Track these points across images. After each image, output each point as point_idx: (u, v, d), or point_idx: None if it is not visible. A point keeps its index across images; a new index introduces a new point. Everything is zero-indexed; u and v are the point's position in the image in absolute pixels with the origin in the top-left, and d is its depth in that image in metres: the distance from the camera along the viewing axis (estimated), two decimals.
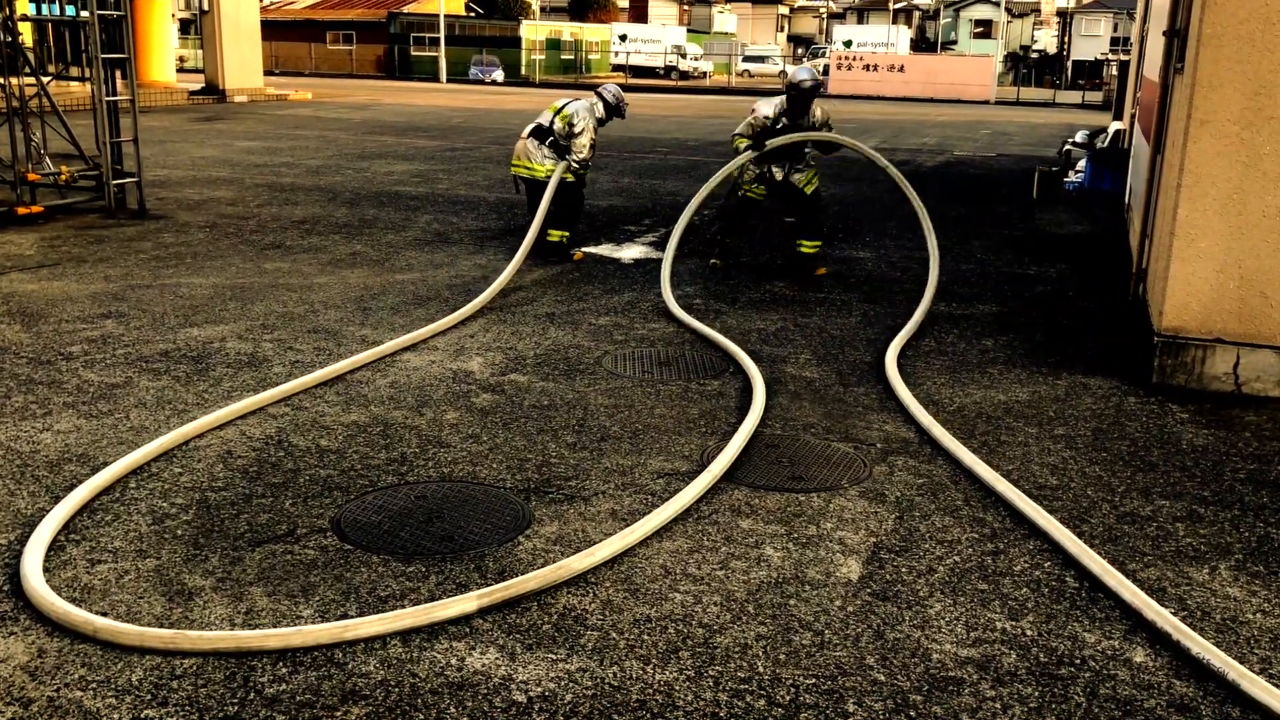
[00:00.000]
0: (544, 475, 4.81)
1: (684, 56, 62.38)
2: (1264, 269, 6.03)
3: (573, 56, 62.63)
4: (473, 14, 65.75)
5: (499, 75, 53.44)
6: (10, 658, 3.29)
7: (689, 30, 72.13)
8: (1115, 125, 17.98)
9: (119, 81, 11.82)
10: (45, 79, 12.05)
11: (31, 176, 11.00)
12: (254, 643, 3.34)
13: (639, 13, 76.75)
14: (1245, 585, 3.99)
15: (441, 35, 52.17)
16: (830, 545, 4.21)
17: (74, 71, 13.96)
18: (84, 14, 11.28)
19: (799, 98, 8.77)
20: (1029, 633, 3.62)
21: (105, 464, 4.76)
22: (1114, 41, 63.50)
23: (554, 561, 3.98)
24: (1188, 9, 6.98)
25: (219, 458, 4.90)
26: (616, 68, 61.54)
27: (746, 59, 66.09)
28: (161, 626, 3.48)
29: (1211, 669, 3.37)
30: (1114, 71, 38.42)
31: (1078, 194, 14.86)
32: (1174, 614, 3.71)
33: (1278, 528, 4.50)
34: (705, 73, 62.05)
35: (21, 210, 10.68)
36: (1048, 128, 30.19)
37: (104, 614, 3.54)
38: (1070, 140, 18.19)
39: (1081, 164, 15.67)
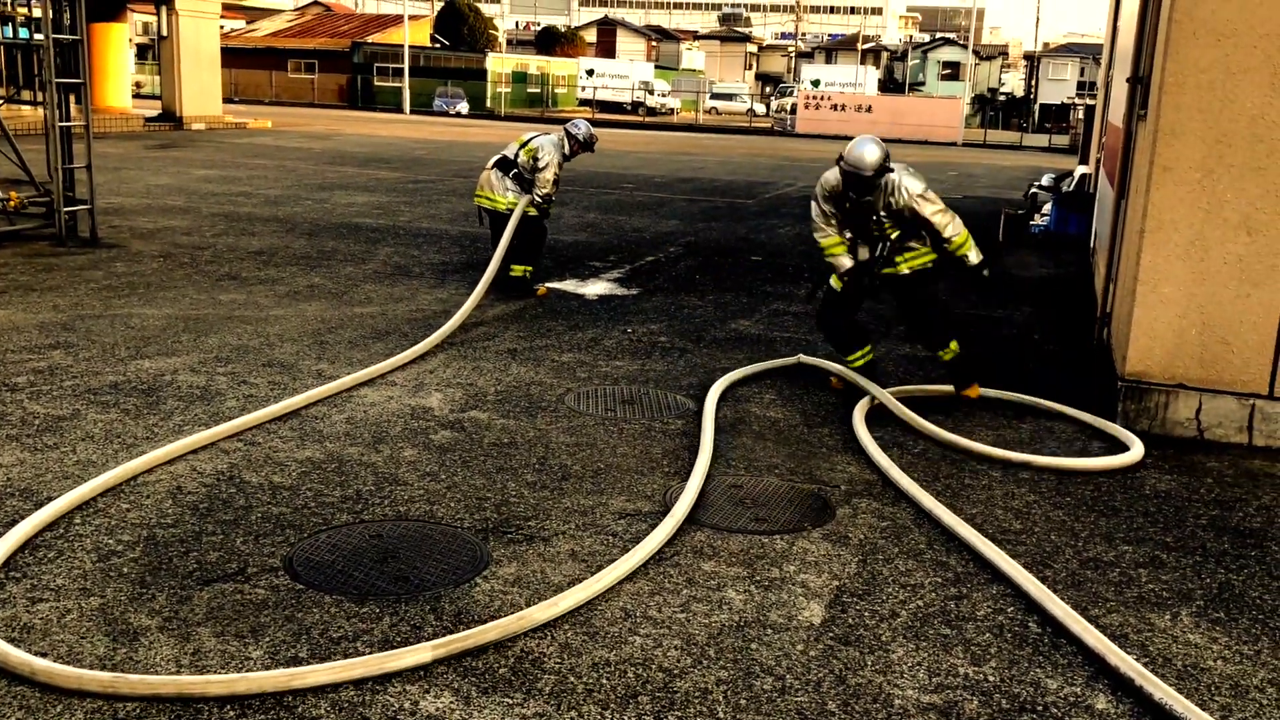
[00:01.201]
0: (503, 515, 4.81)
1: (651, 93, 62.99)
2: (1225, 315, 6.16)
3: (539, 90, 63.04)
4: (438, 45, 66.09)
5: (464, 107, 53.67)
6: None
7: (657, 66, 72.91)
8: (1081, 169, 18.32)
9: (73, 106, 11.75)
10: None
11: None
12: (196, 689, 3.29)
13: (607, 48, 77.51)
14: (1207, 632, 4.05)
15: (405, 66, 52.37)
16: (793, 588, 4.22)
17: (26, 95, 13.86)
18: (38, 37, 11.23)
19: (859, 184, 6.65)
20: (991, 678, 3.65)
21: (50, 498, 4.70)
22: (1080, 85, 64.84)
23: (512, 604, 3.97)
24: (1150, 56, 7.17)
25: (168, 493, 4.85)
26: (583, 102, 62.00)
27: (714, 96, 66.87)
28: (104, 668, 3.43)
29: (1174, 716, 3.41)
30: (1080, 116, 39.20)
31: (1043, 237, 15.09)
32: (1136, 660, 3.76)
33: (1239, 574, 4.57)
34: (673, 109, 62.65)
35: None
36: (1014, 170, 30.70)
37: (44, 654, 3.48)
38: (1036, 183, 18.50)
39: (1047, 207, 15.94)
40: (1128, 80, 8.17)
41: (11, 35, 13.54)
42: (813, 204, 7.01)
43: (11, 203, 11.24)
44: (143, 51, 60.15)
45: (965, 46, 68.62)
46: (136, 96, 38.17)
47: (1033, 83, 70.70)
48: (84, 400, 6.09)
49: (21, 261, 10.03)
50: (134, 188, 16.09)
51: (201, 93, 31.22)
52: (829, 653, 3.76)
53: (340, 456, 5.41)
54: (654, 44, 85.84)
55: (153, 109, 32.20)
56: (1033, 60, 73.33)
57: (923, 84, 75.26)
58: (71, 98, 11.67)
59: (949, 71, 74.92)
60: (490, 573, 4.23)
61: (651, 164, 26.00)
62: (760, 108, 66.31)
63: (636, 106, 60.58)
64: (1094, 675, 3.69)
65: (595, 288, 10.29)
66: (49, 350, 7.07)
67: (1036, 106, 67.40)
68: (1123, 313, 6.80)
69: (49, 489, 4.82)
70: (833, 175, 6.76)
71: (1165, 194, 6.14)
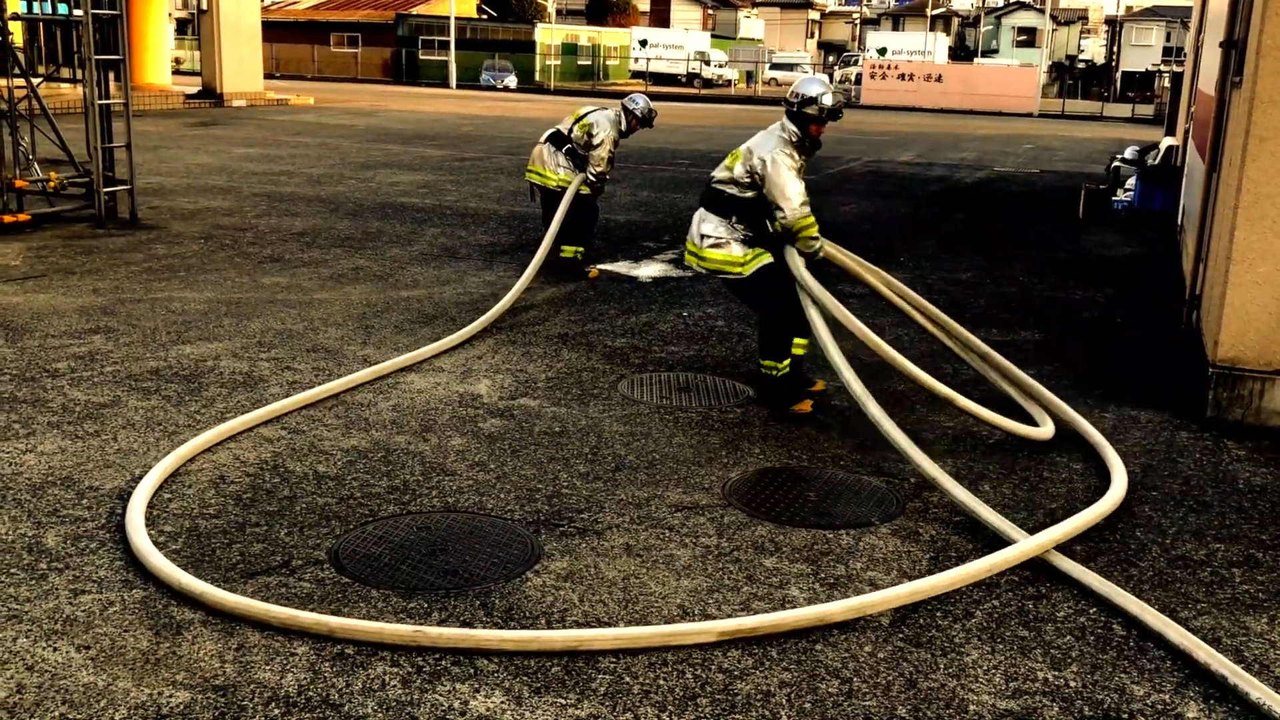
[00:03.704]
0: (555, 507, 4.82)
1: (707, 63, 62.68)
2: None
3: (590, 62, 63.01)
4: (485, 17, 66.26)
5: (512, 81, 53.79)
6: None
7: (713, 36, 72.52)
8: (1168, 141, 17.96)
9: (112, 84, 11.94)
10: (35, 80, 12.19)
11: (19, 183, 11.11)
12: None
13: (661, 17, 77.26)
14: None
15: (452, 38, 52.58)
16: (860, 587, 4.19)
17: (65, 73, 14.10)
18: (77, 13, 11.42)
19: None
20: (1072, 684, 3.59)
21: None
22: (1166, 52, 63.53)
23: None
24: (1247, 19, 6.98)
25: (211, 483, 4.92)
26: (636, 74, 61.88)
27: (774, 66, 66.36)
28: (146, 663, 3.49)
29: (1273, 718, 3.34)
30: (1166, 84, 38.39)
31: (1127, 214, 14.82)
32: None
33: None
34: (730, 81, 62.31)
35: (8, 219, 10.79)
36: (1095, 143, 30.18)
37: (85, 648, 3.55)
38: (1119, 156, 18.16)
39: (1131, 182, 15.65)
40: (1221, 44, 7.97)
41: (50, 11, 13.79)
42: (782, 156, 5.93)
43: (51, 184, 11.45)
44: (182, 26, 60.96)
45: (1042, 11, 67.46)
46: (176, 73, 38.69)
47: (1114, 49, 69.38)
48: (125, 387, 6.20)
49: (61, 244, 10.23)
50: (174, 167, 16.34)
51: (242, 68, 31.57)
52: (899, 655, 3.72)
53: (387, 445, 5.46)
54: (710, 12, 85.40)
55: (192, 85, 32.64)
56: (1115, 25, 71.93)
57: (996, 51, 74.16)
58: (111, 75, 11.86)
59: (1024, 38, 73.76)
60: (542, 567, 4.24)
61: (707, 138, 25.90)
62: (823, 78, 65.78)
63: (692, 78, 60.34)
64: (1184, 681, 3.62)
65: (649, 269, 10.27)
66: (89, 335, 7.20)
67: (1118, 74, 66.16)
68: (1214, 294, 6.64)
69: (90, 478, 4.91)
70: (788, 122, 6.05)
71: (1262, 166, 5.99)
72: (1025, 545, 4.37)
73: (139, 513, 4.41)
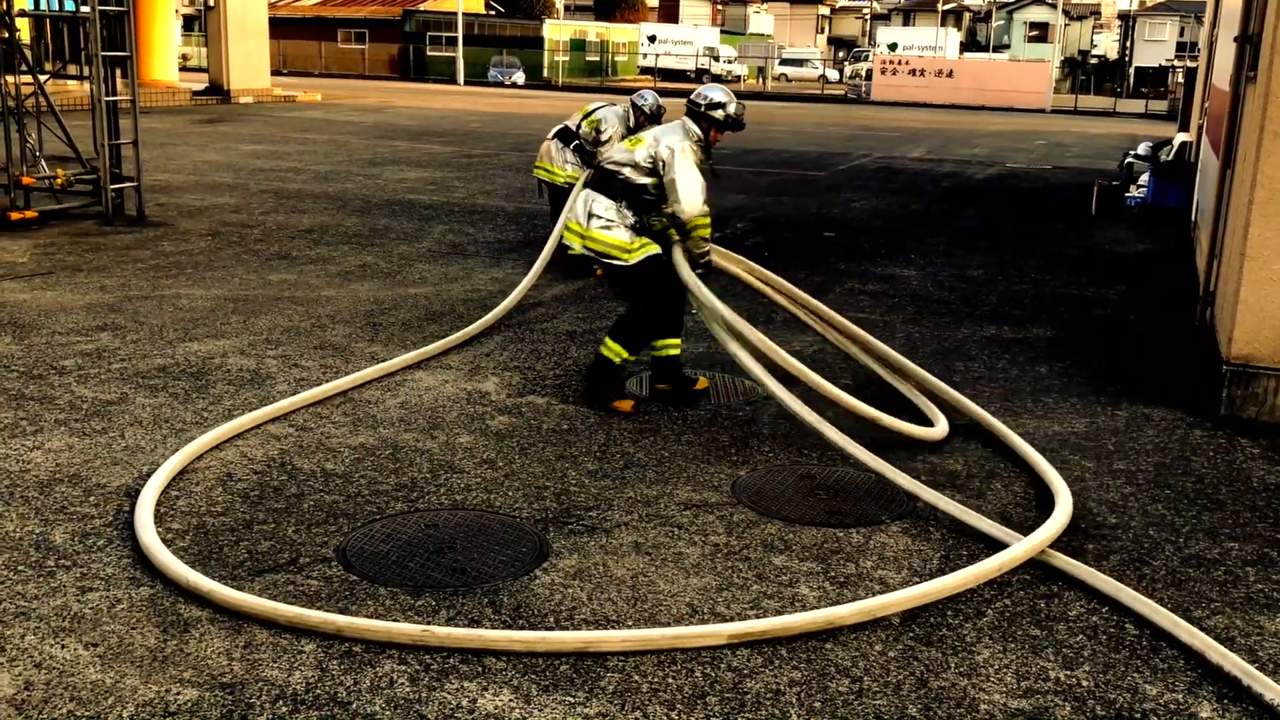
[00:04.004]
0: (563, 505, 4.82)
1: (716, 59, 62.65)
2: None
3: (598, 58, 62.99)
4: (493, 12, 66.29)
5: (520, 77, 53.82)
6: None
7: (723, 31, 72.46)
8: (1181, 137, 17.90)
9: (119, 81, 11.98)
10: (42, 77, 12.23)
11: (26, 180, 11.16)
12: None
13: (669, 12, 77.19)
14: None
15: (459, 34, 52.61)
16: (870, 585, 4.19)
17: (72, 70, 14.15)
18: (84, 9, 11.45)
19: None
20: (1085, 683, 3.59)
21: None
22: (1180, 47, 63.31)
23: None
24: (1261, 13, 6.96)
25: (218, 480, 4.94)
26: (644, 70, 61.87)
27: (784, 62, 66.30)
28: (153, 660, 3.50)
29: None
30: (1180, 79, 38.28)
31: (1140, 210, 14.78)
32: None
33: None
34: (739, 77, 62.25)
35: (15, 215, 10.84)
36: (1107, 139, 30.10)
37: (93, 645, 3.57)
38: (1132, 152, 18.11)
39: (1144, 178, 15.60)
40: (1235, 39, 7.94)
41: (57, 8, 13.83)
42: (689, 150, 5.89)
43: (58, 181, 11.49)
44: (188, 22, 61.11)
45: (1054, 6, 67.30)
46: (182, 69, 38.80)
47: (1128, 44, 69.19)
48: (132, 384, 6.22)
49: (68, 241, 10.26)
50: (181, 164, 16.38)
51: (249, 65, 31.63)
52: (909, 654, 3.72)
53: (394, 443, 5.47)
54: (719, 7, 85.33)
55: (199, 82, 32.71)
56: (1128, 20, 71.74)
57: (1008, 46, 73.98)
58: (118, 72, 11.90)
59: (1036, 33, 73.59)
60: (550, 565, 4.25)
61: None
62: (833, 74, 65.67)
63: (701, 74, 60.31)
64: (1197, 681, 3.61)
65: None
66: (96, 332, 7.22)
67: (1132, 70, 65.98)
68: (1228, 291, 6.62)
69: (97, 475, 4.92)
70: (690, 122, 6.01)
71: (1276, 162, 5.97)
72: (1027, 543, 4.36)
73: (148, 510, 4.42)
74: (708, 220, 5.90)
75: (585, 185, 6.08)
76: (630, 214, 5.89)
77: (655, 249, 5.93)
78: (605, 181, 5.94)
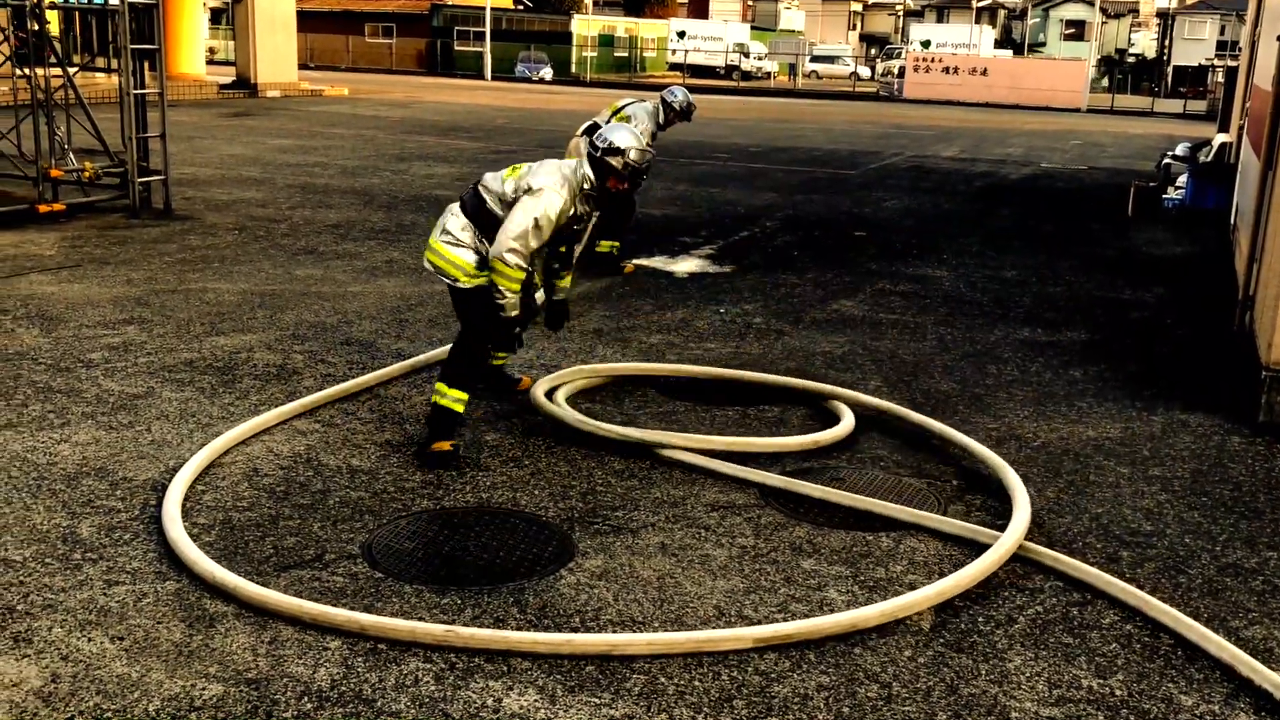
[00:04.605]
0: (589, 504, 4.83)
1: (746, 55, 62.51)
2: None
3: (627, 54, 63.00)
4: (521, 7, 66.45)
5: (547, 73, 53.89)
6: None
7: (753, 27, 72.30)
8: (1220, 138, 17.74)
9: (147, 74, 12.07)
10: (71, 70, 12.34)
11: (54, 173, 11.26)
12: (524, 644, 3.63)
13: (699, 8, 77.07)
14: None
15: (487, 29, 52.74)
16: (900, 590, 4.17)
17: (100, 62, 14.29)
18: (114, 2, 11.55)
19: None
20: (1118, 692, 3.57)
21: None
22: (1220, 46, 62.72)
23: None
24: None
25: (244, 476, 4.98)
26: (674, 66, 61.80)
27: (815, 59, 66.08)
28: (179, 655, 3.54)
29: None
30: (1220, 79, 37.94)
31: (1177, 212, 14.66)
32: None
33: None
34: (769, 73, 62.12)
35: (43, 208, 10.94)
36: (1145, 139, 29.86)
37: (119, 639, 3.61)
38: (1170, 153, 17.96)
39: (1182, 179, 15.46)
40: (1278, 38, 7.87)
41: (87, 1, 13.96)
42: (553, 196, 5.24)
43: (86, 173, 11.60)
44: (216, 16, 61.50)
45: (1091, 3, 66.80)
46: (210, 63, 39.05)
47: (1166, 43, 68.59)
48: (159, 378, 6.28)
49: (96, 234, 10.36)
50: (208, 158, 16.50)
51: (276, 58, 31.82)
52: (939, 660, 3.71)
53: (420, 439, 5.49)
54: (750, 3, 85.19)
55: (226, 76, 32.93)
56: (1166, 18, 71.11)
57: (1043, 44, 73.50)
58: (146, 65, 11.99)
59: (1072, 31, 73.06)
60: (576, 564, 4.26)
61: (746, 132, 25.85)
62: (865, 71, 65.42)
63: (730, 71, 60.22)
64: (1234, 692, 3.58)
65: (685, 265, 10.27)
66: (123, 326, 7.29)
67: (1170, 69, 65.41)
68: (1269, 295, 6.56)
69: (124, 469, 4.97)
70: (586, 167, 5.42)
71: None
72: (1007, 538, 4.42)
73: (175, 505, 4.46)
74: (517, 276, 5.19)
75: (458, 200, 5.56)
76: (482, 243, 5.35)
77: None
78: (472, 202, 5.42)
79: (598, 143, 5.38)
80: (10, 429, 5.40)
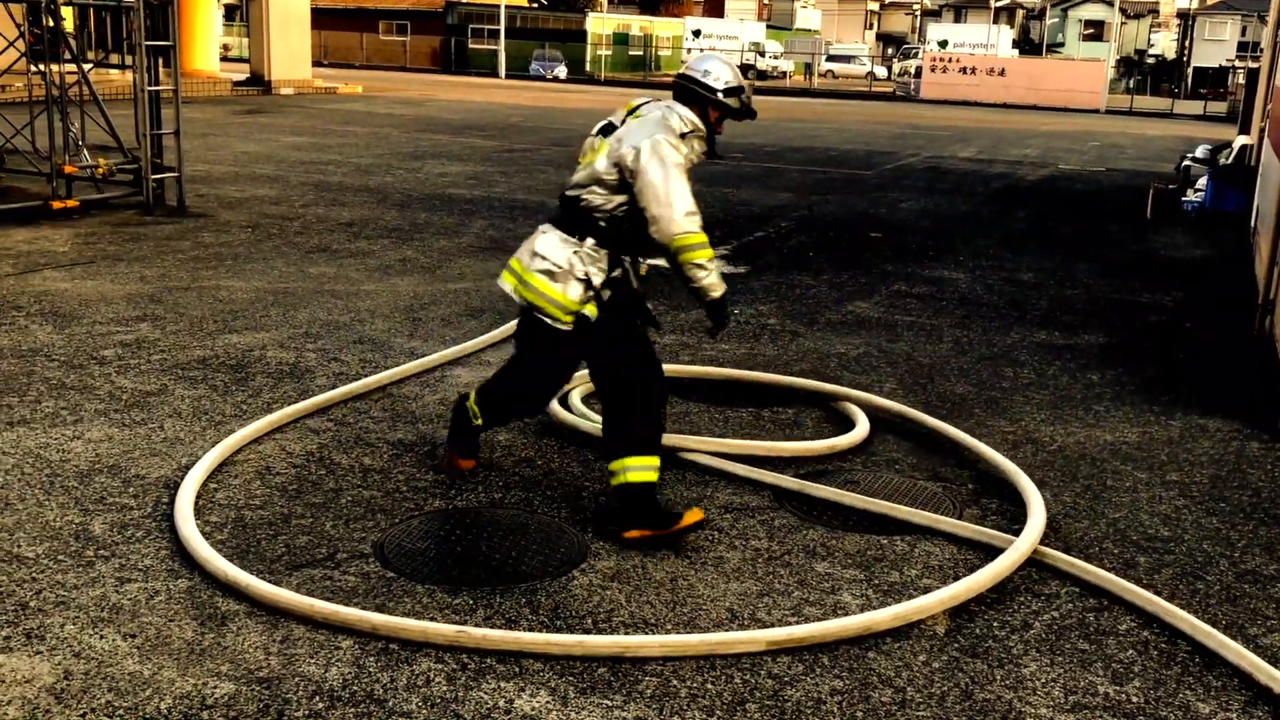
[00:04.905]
0: (602, 505, 4.83)
1: (762, 54, 62.56)
2: None
3: (642, 53, 63.04)
4: (535, 5, 66.53)
5: (562, 71, 53.96)
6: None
7: (769, 26, 72.32)
8: (1241, 140, 17.66)
9: (161, 70, 12.13)
10: (86, 66, 12.40)
11: (68, 169, 11.33)
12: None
13: (715, 6, 77.10)
14: None
15: (501, 27, 52.84)
16: (914, 594, 4.17)
17: (115, 59, 14.37)
18: None
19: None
20: (1135, 699, 3.56)
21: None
22: (1241, 47, 62.46)
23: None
24: None
25: (257, 474, 4.99)
26: None
27: (831, 58, 66.04)
28: (190, 653, 3.55)
29: None
30: (1241, 80, 37.75)
31: (1197, 215, 14.61)
32: None
33: None
34: (785, 72, 62.12)
35: (56, 204, 11.00)
36: (1164, 141, 29.75)
37: (131, 636, 3.63)
38: (1190, 155, 17.91)
39: (1202, 182, 15.41)
40: None
41: None
42: (660, 144, 4.38)
43: (100, 170, 11.66)
44: (230, 12, 61.72)
45: (1110, 3, 66.57)
46: (224, 60, 39.20)
47: (1186, 43, 68.35)
48: (171, 375, 6.30)
49: (109, 230, 10.41)
50: (221, 155, 16.57)
51: (290, 56, 31.93)
52: (954, 665, 3.70)
53: (433, 439, 5.50)
54: (766, 1, 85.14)
55: (240, 73, 33.05)
56: (1187, 18, 70.86)
57: (1062, 45, 73.31)
58: (160, 61, 12.05)
59: (1091, 31, 72.88)
60: (588, 565, 4.26)
61: (761, 131, 25.83)
62: (881, 71, 65.36)
63: (746, 70, 60.23)
64: (1252, 700, 3.57)
65: None
66: (136, 323, 7.32)
67: (1190, 70, 65.16)
68: None
69: (137, 466, 5.00)
70: (685, 112, 4.56)
71: None
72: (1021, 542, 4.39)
73: (188, 503, 4.48)
74: (703, 238, 4.41)
75: (549, 219, 4.67)
76: (598, 259, 4.47)
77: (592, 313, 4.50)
78: (566, 211, 4.56)
79: (708, 81, 4.53)
80: (23, 425, 5.43)
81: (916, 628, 3.90)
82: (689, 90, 4.59)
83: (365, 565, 4.18)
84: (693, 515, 4.33)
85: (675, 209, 4.33)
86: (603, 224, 4.49)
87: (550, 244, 4.52)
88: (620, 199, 4.44)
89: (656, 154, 4.34)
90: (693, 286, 4.57)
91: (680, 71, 4.76)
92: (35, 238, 9.88)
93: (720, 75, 4.59)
